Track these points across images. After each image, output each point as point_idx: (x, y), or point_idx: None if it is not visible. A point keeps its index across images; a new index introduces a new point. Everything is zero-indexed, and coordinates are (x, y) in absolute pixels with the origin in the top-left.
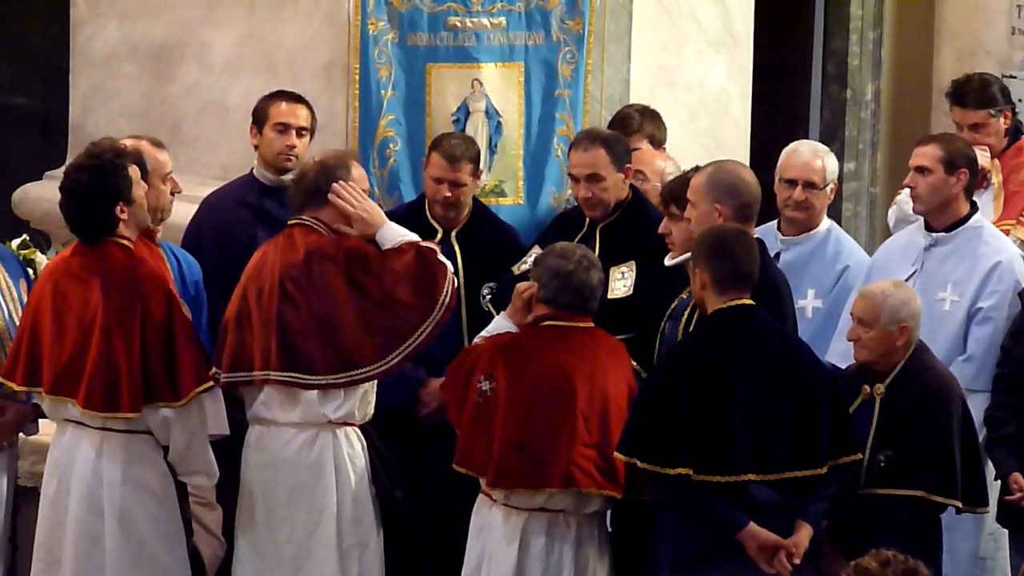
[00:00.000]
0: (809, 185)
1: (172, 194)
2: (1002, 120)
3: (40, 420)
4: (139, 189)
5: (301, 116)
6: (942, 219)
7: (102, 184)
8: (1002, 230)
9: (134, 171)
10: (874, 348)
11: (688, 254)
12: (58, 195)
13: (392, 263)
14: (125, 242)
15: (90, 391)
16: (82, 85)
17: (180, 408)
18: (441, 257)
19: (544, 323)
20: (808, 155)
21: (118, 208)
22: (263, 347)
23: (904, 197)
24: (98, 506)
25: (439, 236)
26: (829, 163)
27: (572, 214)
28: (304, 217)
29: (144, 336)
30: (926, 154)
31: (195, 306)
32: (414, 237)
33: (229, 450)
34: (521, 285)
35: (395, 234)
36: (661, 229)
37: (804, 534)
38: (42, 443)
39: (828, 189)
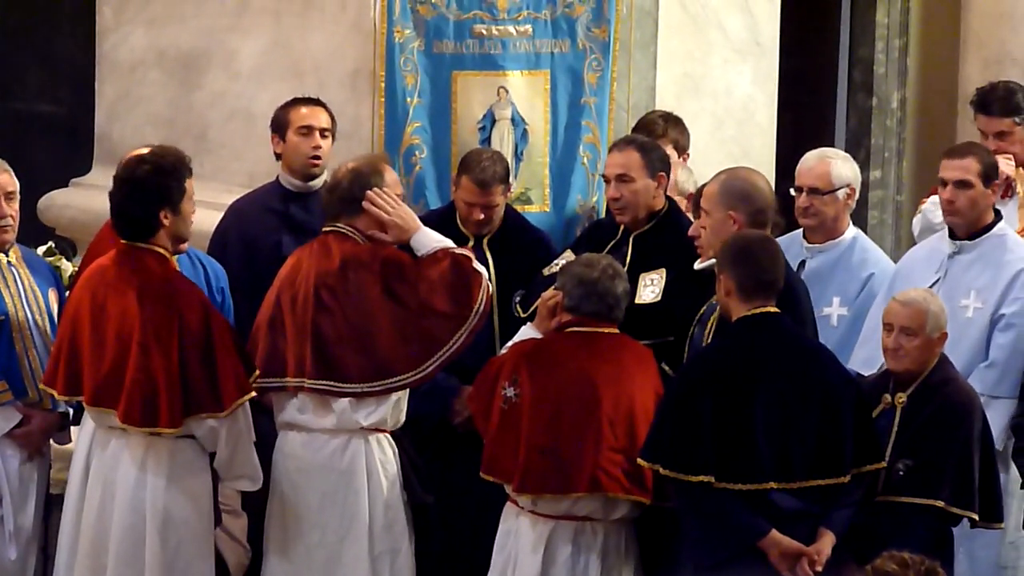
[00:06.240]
0: (813, 191)
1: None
2: None
3: (72, 428)
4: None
5: (322, 118)
6: (967, 228)
7: (157, 181)
8: None
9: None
10: (917, 356)
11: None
12: (83, 202)
13: (428, 271)
14: (161, 251)
15: (129, 406)
16: (108, 92)
17: (225, 417)
18: (476, 264)
19: (568, 329)
20: (812, 161)
21: (163, 212)
22: (297, 354)
23: (929, 206)
24: (141, 509)
25: (471, 243)
26: (836, 168)
27: (607, 222)
28: (339, 225)
29: (183, 349)
30: (966, 168)
31: (221, 312)
32: (449, 243)
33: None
34: (546, 293)
35: (430, 240)
36: (691, 231)
37: (827, 542)
38: (71, 452)
39: (841, 194)
